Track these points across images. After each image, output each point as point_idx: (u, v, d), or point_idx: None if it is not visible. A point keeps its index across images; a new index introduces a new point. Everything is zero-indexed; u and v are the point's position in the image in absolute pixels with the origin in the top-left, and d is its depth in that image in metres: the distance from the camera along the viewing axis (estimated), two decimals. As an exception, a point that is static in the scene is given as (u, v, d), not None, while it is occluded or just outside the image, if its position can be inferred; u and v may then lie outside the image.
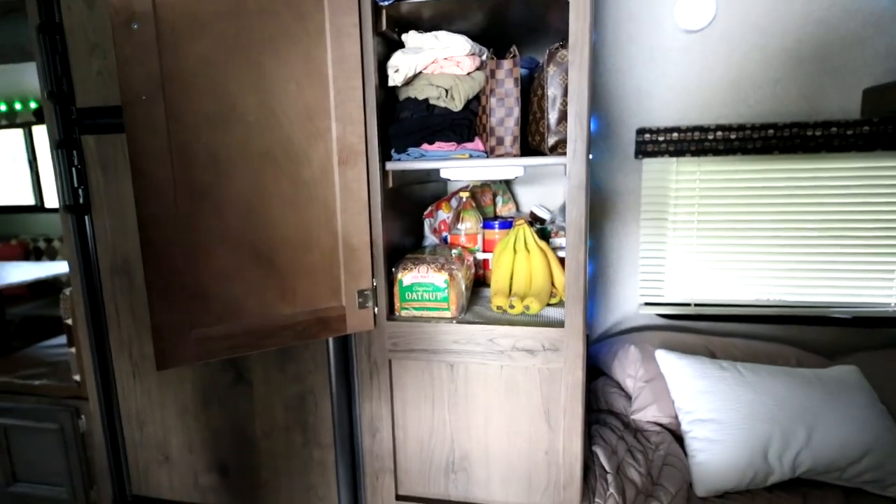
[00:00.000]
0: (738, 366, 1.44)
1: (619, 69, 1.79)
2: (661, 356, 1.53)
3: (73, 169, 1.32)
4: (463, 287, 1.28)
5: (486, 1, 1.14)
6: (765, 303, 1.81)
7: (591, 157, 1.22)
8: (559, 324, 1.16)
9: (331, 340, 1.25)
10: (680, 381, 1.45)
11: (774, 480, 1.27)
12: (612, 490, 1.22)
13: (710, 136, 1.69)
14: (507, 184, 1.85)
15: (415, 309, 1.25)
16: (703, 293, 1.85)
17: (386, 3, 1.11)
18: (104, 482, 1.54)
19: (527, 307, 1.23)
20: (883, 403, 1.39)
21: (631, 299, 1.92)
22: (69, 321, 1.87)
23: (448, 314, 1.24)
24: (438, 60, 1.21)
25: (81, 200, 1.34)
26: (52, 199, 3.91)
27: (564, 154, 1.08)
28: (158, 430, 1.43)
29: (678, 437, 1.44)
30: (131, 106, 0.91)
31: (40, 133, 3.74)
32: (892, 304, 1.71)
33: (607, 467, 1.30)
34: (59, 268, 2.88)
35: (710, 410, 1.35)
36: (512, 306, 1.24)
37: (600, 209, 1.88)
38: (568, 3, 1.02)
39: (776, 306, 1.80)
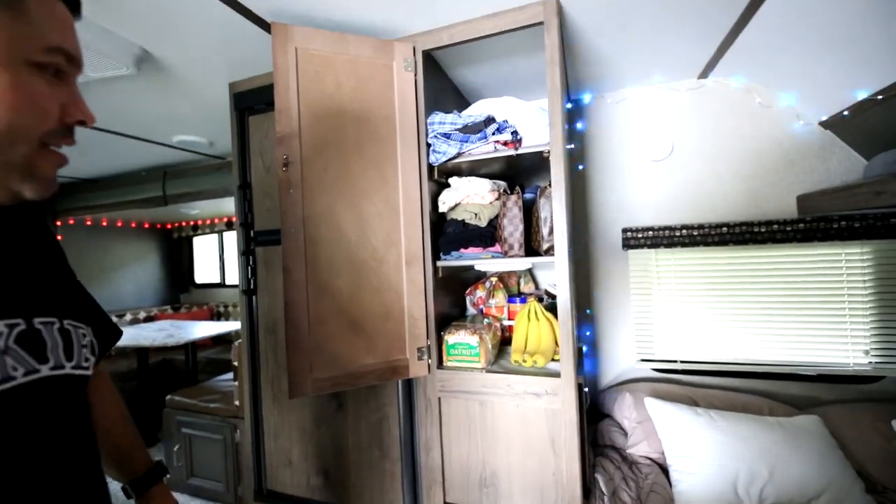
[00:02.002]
0: (710, 412, 1.40)
1: (607, 187, 1.92)
2: (649, 402, 1.51)
3: (249, 267, 1.63)
4: (490, 346, 1.39)
5: (501, 159, 1.35)
6: (740, 361, 1.73)
7: (572, 253, 1.32)
8: (557, 375, 1.22)
9: (400, 382, 1.38)
10: (664, 423, 1.42)
11: (746, 511, 1.19)
12: (606, 508, 1.20)
13: (677, 233, 1.74)
14: (529, 270, 1.98)
15: (456, 361, 1.34)
16: (687, 352, 1.80)
17: (437, 164, 1.36)
18: (248, 479, 1.68)
19: (535, 362, 1.30)
20: (843, 450, 1.28)
21: (629, 356, 1.90)
22: (236, 363, 2.14)
23: (479, 365, 1.32)
24: (471, 195, 1.41)
25: (252, 286, 1.63)
26: (230, 279, 4.47)
27: (554, 255, 1.22)
28: (285, 443, 1.57)
29: (665, 469, 1.38)
30: (286, 235, 1.17)
31: (228, 237, 4.40)
32: (851, 364, 1.58)
33: (605, 490, 1.28)
34: (233, 326, 3.26)
35: (687, 448, 1.31)
36: (525, 361, 1.32)
37: (600, 286, 1.93)
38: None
39: (750, 364, 1.71)
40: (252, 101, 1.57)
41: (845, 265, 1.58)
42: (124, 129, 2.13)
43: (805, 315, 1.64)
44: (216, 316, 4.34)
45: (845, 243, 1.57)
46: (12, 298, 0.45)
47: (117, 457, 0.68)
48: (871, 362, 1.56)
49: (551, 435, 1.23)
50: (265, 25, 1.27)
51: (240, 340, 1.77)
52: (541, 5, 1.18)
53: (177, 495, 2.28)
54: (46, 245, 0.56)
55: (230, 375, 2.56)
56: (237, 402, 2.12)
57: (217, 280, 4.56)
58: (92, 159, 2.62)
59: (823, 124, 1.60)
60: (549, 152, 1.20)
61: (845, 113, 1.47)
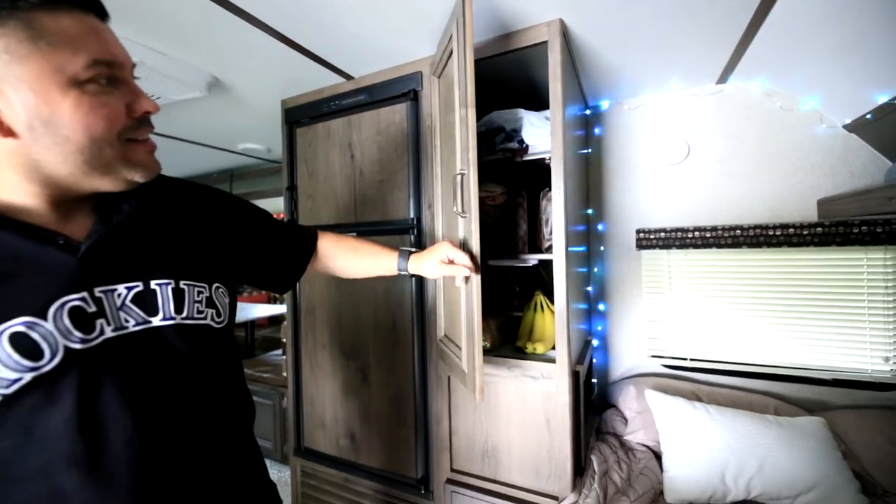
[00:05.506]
0: (707, 407, 1.41)
1: (623, 189, 1.93)
2: (649, 394, 1.54)
3: (294, 257, 1.83)
4: (496, 332, 1.49)
5: (516, 163, 1.43)
6: (750, 361, 1.69)
7: (571, 250, 1.39)
8: (554, 361, 1.30)
9: (416, 360, 1.51)
10: (662, 413, 1.45)
11: (732, 499, 1.21)
12: (595, 486, 1.27)
13: (689, 235, 1.73)
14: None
15: (465, 345, 1.47)
16: (696, 351, 1.79)
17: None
18: (290, 438, 1.90)
19: (535, 349, 1.39)
20: (848, 453, 1.25)
21: (640, 352, 1.91)
22: (284, 340, 2.40)
23: (485, 348, 1.44)
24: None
25: (296, 274, 1.84)
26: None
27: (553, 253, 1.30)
28: (319, 408, 1.75)
29: (658, 457, 1.42)
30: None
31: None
32: (869, 370, 1.50)
33: (597, 470, 1.34)
34: (284, 309, 3.59)
35: (681, 437, 1.34)
36: (526, 347, 1.41)
37: (615, 284, 1.95)
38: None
39: (762, 365, 1.67)
40: (299, 115, 1.78)
41: (867, 270, 1.51)
42: (199, 140, 2.45)
43: (821, 319, 1.58)
44: (272, 300, 4.75)
45: (867, 248, 1.50)
46: (134, 266, 0.55)
47: (376, 259, 0.93)
48: (892, 370, 1.48)
49: (546, 416, 1.31)
50: (309, 54, 1.45)
51: (286, 321, 1.99)
52: (545, 26, 1.26)
53: (235, 450, 2.60)
54: (191, 214, 0.65)
55: (280, 351, 2.84)
56: (285, 374, 2.37)
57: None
58: (174, 164, 3.01)
59: (847, 127, 1.53)
60: (549, 159, 1.28)
61: (868, 116, 1.40)
